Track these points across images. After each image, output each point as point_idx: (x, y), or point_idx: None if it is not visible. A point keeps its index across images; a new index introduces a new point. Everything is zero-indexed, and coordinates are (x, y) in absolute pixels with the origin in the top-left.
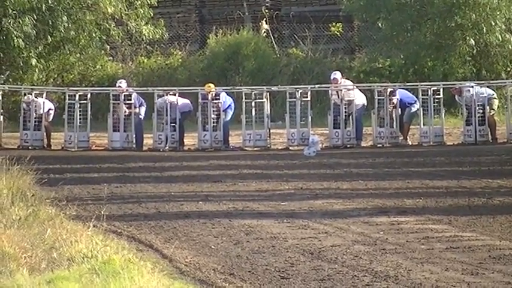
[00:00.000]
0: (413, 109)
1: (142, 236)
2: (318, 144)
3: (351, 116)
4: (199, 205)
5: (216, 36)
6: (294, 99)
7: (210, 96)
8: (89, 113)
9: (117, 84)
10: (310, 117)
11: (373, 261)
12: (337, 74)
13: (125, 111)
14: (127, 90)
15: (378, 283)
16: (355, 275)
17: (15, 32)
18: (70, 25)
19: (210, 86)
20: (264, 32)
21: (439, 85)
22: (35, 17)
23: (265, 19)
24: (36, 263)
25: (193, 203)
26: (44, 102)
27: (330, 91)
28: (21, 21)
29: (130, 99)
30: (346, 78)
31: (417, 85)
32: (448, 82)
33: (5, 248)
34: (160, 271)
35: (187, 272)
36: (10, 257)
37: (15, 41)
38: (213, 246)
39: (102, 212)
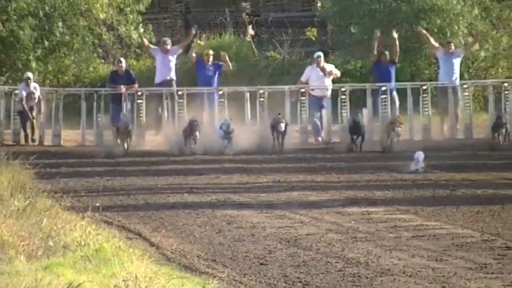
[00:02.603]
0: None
1: (131, 225)
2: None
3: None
4: (184, 197)
5: (200, 40)
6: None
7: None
8: (84, 111)
9: (116, 62)
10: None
11: (345, 248)
12: (321, 53)
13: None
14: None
15: (349, 269)
16: (329, 261)
17: (20, 34)
18: (65, 30)
19: (209, 52)
20: (249, 36)
21: (405, 85)
22: (33, 22)
23: (252, 25)
24: (34, 251)
25: (179, 195)
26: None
27: (305, 76)
28: (22, 25)
29: (131, 76)
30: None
31: (385, 85)
32: (415, 82)
33: (4, 237)
34: (148, 258)
35: (173, 259)
36: (9, 245)
37: (22, 42)
38: (197, 235)
39: (95, 204)
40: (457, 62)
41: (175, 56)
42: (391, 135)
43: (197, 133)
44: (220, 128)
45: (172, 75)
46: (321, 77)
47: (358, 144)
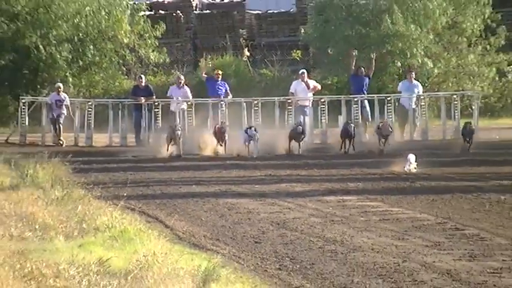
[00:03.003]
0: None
1: (150, 211)
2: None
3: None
4: (193, 188)
5: (206, 60)
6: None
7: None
8: (111, 118)
9: (137, 78)
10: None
11: (325, 229)
12: (304, 70)
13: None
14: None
15: (328, 246)
16: (311, 240)
17: (58, 56)
18: (95, 52)
19: (219, 71)
20: (246, 57)
21: (373, 97)
22: (70, 46)
23: (247, 48)
24: (70, 232)
25: (189, 186)
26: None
27: (292, 88)
28: (61, 48)
29: (150, 90)
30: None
31: (356, 97)
32: (381, 94)
33: (46, 220)
34: (163, 237)
35: (184, 238)
36: (50, 227)
37: (58, 63)
38: (203, 219)
39: (120, 193)
40: (416, 90)
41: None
42: (381, 140)
43: (226, 135)
44: (246, 132)
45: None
46: (305, 89)
47: (347, 147)
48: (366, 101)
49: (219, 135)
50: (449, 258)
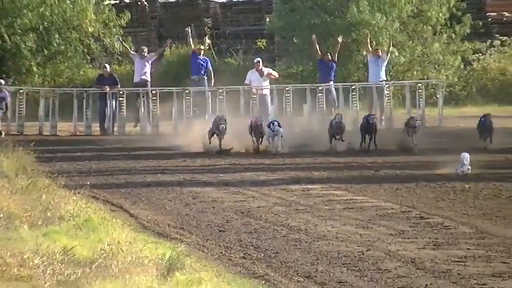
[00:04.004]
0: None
1: (114, 200)
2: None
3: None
4: (157, 176)
5: (171, 49)
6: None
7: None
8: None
9: (102, 67)
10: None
11: (289, 218)
12: (259, 59)
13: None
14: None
15: (292, 235)
16: (275, 229)
17: (22, 46)
18: (60, 41)
19: (201, 46)
20: (207, 45)
21: (338, 85)
22: (35, 35)
23: (207, 36)
24: (35, 221)
25: (153, 175)
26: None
27: (247, 79)
28: (26, 38)
29: (114, 78)
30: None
31: (321, 85)
32: (346, 83)
33: (11, 209)
34: (128, 226)
35: (149, 227)
36: (15, 216)
37: (23, 52)
38: (168, 208)
39: (85, 182)
40: (382, 64)
41: (150, 62)
42: (411, 134)
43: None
44: (268, 127)
45: (147, 77)
46: (259, 78)
47: (367, 142)
48: (333, 88)
49: (256, 130)
50: (413, 246)
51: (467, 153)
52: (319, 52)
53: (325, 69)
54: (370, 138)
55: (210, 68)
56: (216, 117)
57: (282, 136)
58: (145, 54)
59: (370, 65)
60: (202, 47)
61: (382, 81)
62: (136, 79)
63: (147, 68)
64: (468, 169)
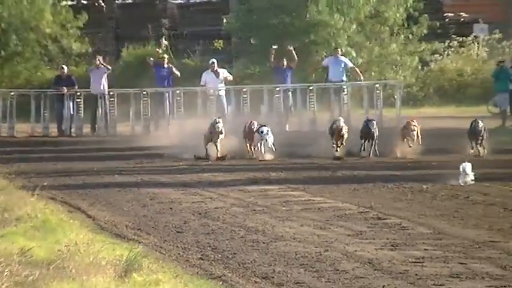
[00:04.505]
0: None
1: (72, 201)
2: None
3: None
4: (115, 177)
5: (128, 50)
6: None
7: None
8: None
9: (59, 68)
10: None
11: (246, 219)
12: (214, 60)
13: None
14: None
15: (250, 235)
16: (233, 230)
17: None
18: (18, 42)
19: (164, 55)
20: (164, 46)
21: (295, 86)
22: None
23: (164, 37)
24: None
25: (111, 176)
26: None
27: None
28: None
29: (72, 80)
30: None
31: (279, 86)
32: (303, 84)
33: None
34: (86, 227)
35: (106, 228)
36: None
37: None
38: (125, 209)
39: (43, 183)
40: (342, 64)
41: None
42: (406, 140)
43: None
44: (257, 132)
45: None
46: (215, 79)
47: (368, 149)
48: (290, 92)
49: (250, 135)
50: (371, 247)
51: (469, 163)
52: (272, 60)
53: (280, 76)
54: (371, 145)
55: (176, 72)
56: (214, 121)
57: (270, 142)
58: (100, 64)
59: (331, 66)
60: (166, 56)
61: (341, 81)
62: (93, 91)
63: (104, 81)
64: (472, 180)
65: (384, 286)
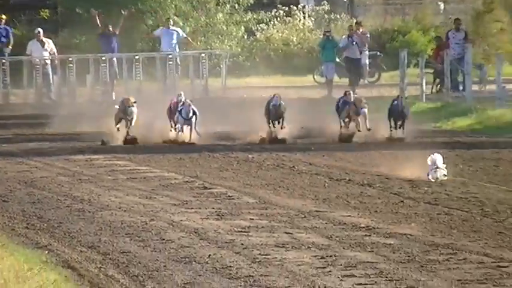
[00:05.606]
0: None
1: None
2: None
3: None
4: None
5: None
6: None
7: None
8: None
9: None
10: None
11: (72, 188)
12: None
13: None
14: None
15: (76, 205)
16: (59, 199)
17: None
18: None
19: None
20: None
21: (121, 56)
22: None
23: None
24: None
25: None
26: None
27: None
28: None
29: None
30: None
31: (104, 56)
32: (130, 53)
33: None
34: None
35: None
36: None
37: None
38: None
39: None
40: (174, 35)
41: None
42: (356, 119)
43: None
44: (179, 113)
45: None
46: (41, 48)
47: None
48: (115, 60)
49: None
50: (197, 217)
51: (440, 156)
52: (100, 25)
53: (106, 43)
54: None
55: (11, 37)
56: (123, 100)
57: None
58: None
59: (163, 37)
60: (4, 17)
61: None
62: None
63: None
64: (444, 175)
65: (209, 255)
